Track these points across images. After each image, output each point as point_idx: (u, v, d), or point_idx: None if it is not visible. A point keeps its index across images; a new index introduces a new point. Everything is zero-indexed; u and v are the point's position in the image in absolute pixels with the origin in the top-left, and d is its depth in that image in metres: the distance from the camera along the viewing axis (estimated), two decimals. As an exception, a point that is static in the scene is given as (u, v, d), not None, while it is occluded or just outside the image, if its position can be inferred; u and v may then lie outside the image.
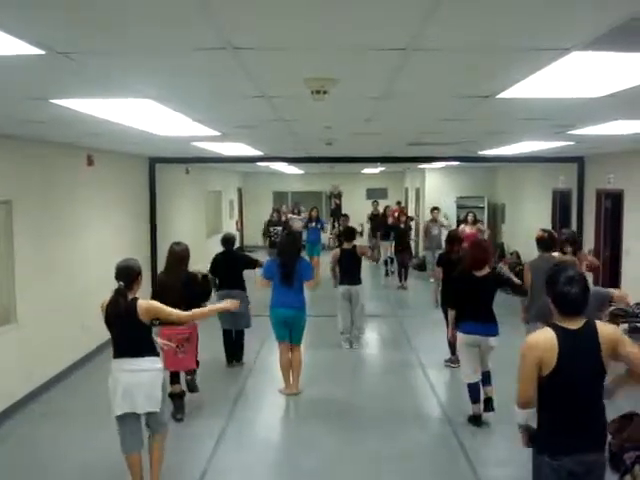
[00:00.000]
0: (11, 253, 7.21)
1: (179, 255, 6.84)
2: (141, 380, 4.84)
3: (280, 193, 25.06)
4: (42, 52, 3.17)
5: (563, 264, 3.93)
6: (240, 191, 24.05)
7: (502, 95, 4.63)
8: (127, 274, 4.90)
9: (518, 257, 15.34)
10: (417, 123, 6.83)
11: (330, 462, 5.95)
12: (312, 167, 20.08)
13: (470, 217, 14.97)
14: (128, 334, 4.89)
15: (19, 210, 7.31)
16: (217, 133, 7.49)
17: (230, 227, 21.10)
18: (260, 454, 6.14)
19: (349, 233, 9.89)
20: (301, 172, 23.01)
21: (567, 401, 3.45)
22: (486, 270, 6.52)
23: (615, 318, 9.10)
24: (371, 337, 10.89)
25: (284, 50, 3.27)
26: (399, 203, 21.49)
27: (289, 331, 7.54)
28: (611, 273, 10.82)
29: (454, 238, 8.84)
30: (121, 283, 4.85)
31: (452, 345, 7.99)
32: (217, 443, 6.26)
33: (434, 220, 15.79)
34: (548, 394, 3.47)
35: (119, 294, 4.86)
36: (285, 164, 17.54)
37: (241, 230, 23.54)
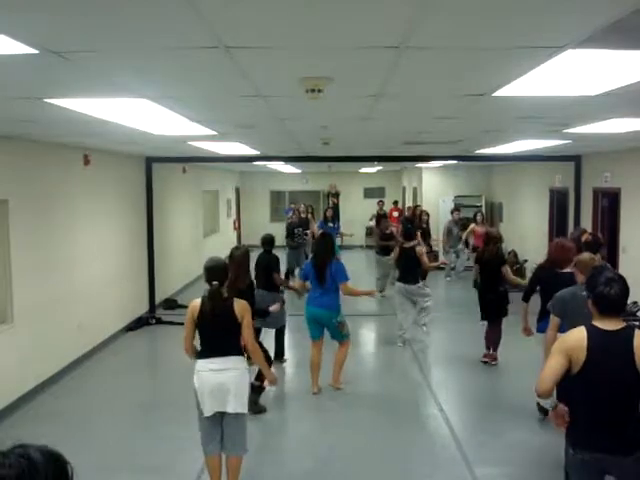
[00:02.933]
0: (7, 253, 7.20)
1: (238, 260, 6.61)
2: (229, 379, 4.78)
3: (278, 192, 25.06)
4: (35, 51, 3.16)
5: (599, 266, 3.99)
6: (238, 190, 24.04)
7: (497, 93, 4.62)
8: (219, 274, 4.88)
9: (515, 256, 15.36)
10: (412, 122, 6.83)
11: (326, 460, 5.94)
12: (310, 166, 20.08)
13: (479, 217, 15.09)
14: (222, 333, 4.85)
15: (15, 210, 7.30)
16: (213, 132, 7.48)
17: (227, 227, 21.11)
18: (256, 455, 6.13)
19: (410, 233, 10.11)
20: (298, 171, 23.02)
21: (592, 399, 3.48)
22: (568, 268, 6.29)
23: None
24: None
25: (277, 49, 3.26)
26: (396, 202, 21.50)
27: (322, 330, 7.67)
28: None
29: (491, 238, 9.03)
30: (215, 282, 4.82)
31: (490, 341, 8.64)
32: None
33: (455, 221, 16.12)
34: (577, 390, 3.52)
35: (215, 293, 4.82)
36: (282, 163, 17.54)
37: (239, 229, 23.54)
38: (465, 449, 6.12)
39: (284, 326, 8.76)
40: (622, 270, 10.18)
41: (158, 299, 12.45)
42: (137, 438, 6.48)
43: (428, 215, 16.55)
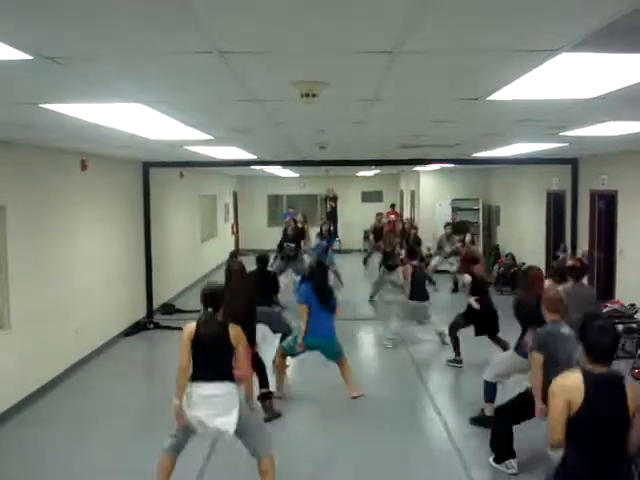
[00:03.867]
0: (5, 258, 7.19)
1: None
2: (216, 407, 4.81)
3: (275, 196, 25.06)
4: (29, 57, 3.16)
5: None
6: (235, 195, 24.04)
7: (492, 97, 4.63)
8: (214, 299, 4.98)
9: (513, 259, 15.39)
10: (408, 125, 6.83)
11: (325, 464, 5.94)
12: (307, 170, 20.08)
13: (468, 238, 14.79)
14: (215, 357, 4.88)
15: (12, 215, 7.30)
16: (209, 137, 7.48)
17: (225, 231, 21.10)
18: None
19: (415, 252, 10.76)
20: (296, 175, 23.02)
21: (589, 441, 3.59)
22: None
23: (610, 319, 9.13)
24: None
25: (271, 54, 3.27)
26: (393, 206, 21.48)
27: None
28: (606, 273, 10.83)
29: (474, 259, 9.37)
30: (209, 309, 4.92)
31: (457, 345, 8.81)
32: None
33: (448, 236, 15.64)
34: (573, 431, 3.59)
35: (210, 318, 4.91)
36: (279, 167, 17.54)
37: (236, 234, 23.52)
38: (463, 452, 6.12)
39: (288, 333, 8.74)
40: (619, 272, 10.20)
41: (156, 304, 12.44)
42: (135, 442, 6.47)
43: (416, 229, 16.97)
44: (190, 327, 4.93)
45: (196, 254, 16.51)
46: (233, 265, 7.23)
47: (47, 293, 8.12)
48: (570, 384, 3.60)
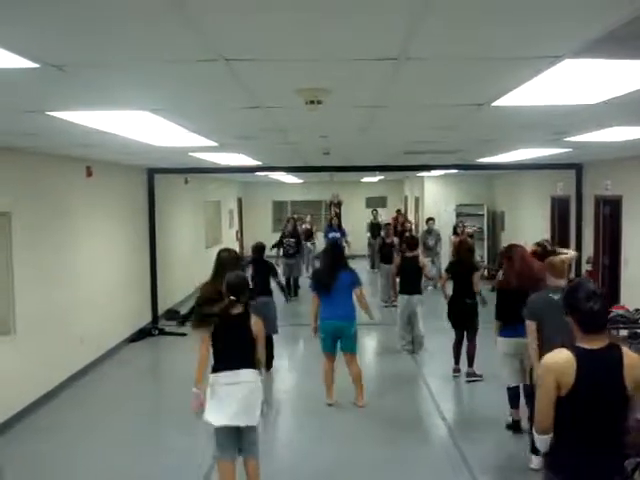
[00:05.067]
0: (10, 264, 7.21)
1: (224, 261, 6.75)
2: (243, 393, 4.83)
3: (280, 202, 25.10)
4: (36, 65, 3.19)
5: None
6: (240, 201, 24.07)
7: (496, 103, 4.64)
8: (238, 289, 4.97)
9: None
10: (412, 132, 6.84)
11: (327, 470, 5.93)
12: (311, 176, 20.11)
13: (459, 228, 14.88)
14: (237, 345, 4.92)
15: (18, 222, 7.33)
16: (214, 144, 7.51)
17: (230, 237, 21.13)
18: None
19: (413, 243, 10.14)
20: (300, 181, 23.06)
21: (583, 423, 3.26)
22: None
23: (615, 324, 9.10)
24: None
25: (276, 61, 3.29)
26: (398, 211, 21.47)
27: (336, 342, 7.48)
28: (610, 279, 10.81)
29: (463, 243, 9.16)
30: (232, 297, 4.93)
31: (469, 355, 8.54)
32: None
33: (429, 231, 15.84)
34: (564, 414, 3.27)
35: (231, 306, 4.93)
36: (284, 174, 17.57)
37: (241, 240, 23.55)
38: (469, 460, 6.10)
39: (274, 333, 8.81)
40: (624, 276, 10.18)
41: (160, 310, 12.45)
42: (140, 448, 6.47)
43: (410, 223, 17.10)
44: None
45: (201, 260, 16.50)
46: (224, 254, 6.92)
47: (52, 299, 8.14)
48: (560, 362, 3.23)
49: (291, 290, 14.68)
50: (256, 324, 4.97)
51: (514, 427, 6.62)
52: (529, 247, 7.20)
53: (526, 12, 2.52)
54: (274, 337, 8.80)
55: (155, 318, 12.14)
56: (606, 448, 3.29)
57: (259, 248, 9.21)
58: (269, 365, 8.74)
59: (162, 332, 11.56)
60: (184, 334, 10.27)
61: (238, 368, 4.85)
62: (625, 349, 3.32)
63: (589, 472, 3.29)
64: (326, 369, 7.58)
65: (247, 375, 4.87)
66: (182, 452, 6.19)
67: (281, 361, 9.47)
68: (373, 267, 18.74)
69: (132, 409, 7.66)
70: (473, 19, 2.61)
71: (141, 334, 11.24)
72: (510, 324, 6.29)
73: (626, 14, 2.50)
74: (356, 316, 7.53)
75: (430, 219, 16.16)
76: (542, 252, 6.85)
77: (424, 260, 10.25)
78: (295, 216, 18.48)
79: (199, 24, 2.57)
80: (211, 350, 4.96)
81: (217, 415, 4.84)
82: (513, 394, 6.56)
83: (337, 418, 7.29)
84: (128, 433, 6.94)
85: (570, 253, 6.82)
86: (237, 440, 4.98)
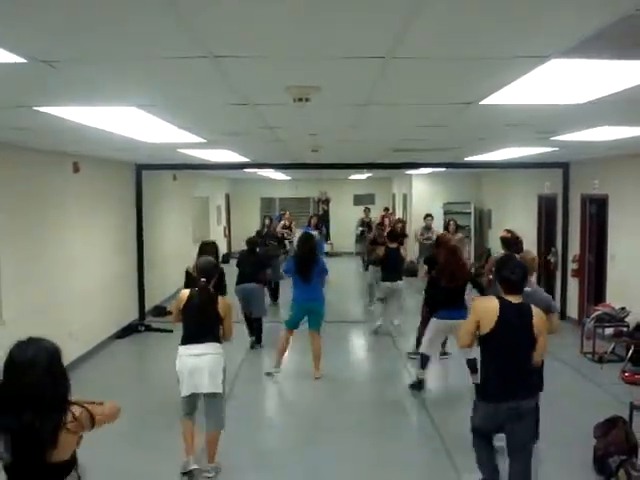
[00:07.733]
0: (-4, 260, 7.17)
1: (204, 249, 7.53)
2: (206, 362, 5.39)
3: (268, 199, 25.06)
4: (24, 60, 3.17)
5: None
6: (228, 197, 24.02)
7: (484, 102, 4.67)
8: (207, 272, 5.58)
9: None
10: (400, 129, 6.87)
11: (316, 469, 5.94)
12: (300, 173, 20.09)
13: (451, 227, 14.80)
14: (202, 321, 5.48)
15: (3, 218, 7.28)
16: (202, 140, 7.49)
17: (217, 233, 21.08)
18: (250, 463, 6.12)
19: (395, 235, 11.32)
20: (288, 178, 23.03)
21: (503, 357, 4.46)
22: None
23: (600, 322, 9.19)
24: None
25: (265, 58, 3.29)
26: (387, 209, 21.49)
27: (304, 319, 8.41)
28: (597, 277, 10.89)
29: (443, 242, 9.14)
30: (203, 279, 5.51)
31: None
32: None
33: (428, 227, 15.73)
34: (489, 350, 4.55)
35: (201, 288, 5.51)
36: (272, 170, 17.53)
37: (229, 236, 23.51)
38: (455, 457, 6.13)
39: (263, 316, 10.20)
40: (610, 274, 10.26)
41: (147, 306, 12.41)
42: (122, 445, 6.42)
43: (403, 222, 17.30)
44: (183, 295, 5.61)
45: (188, 256, 16.44)
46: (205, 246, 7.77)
47: (38, 295, 8.09)
48: (488, 306, 4.50)
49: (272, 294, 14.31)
50: (222, 304, 5.50)
51: (419, 385, 7.84)
52: (501, 233, 8.13)
53: (513, 13, 2.54)
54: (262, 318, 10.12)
55: (142, 314, 12.10)
56: (518, 376, 4.48)
57: (251, 242, 10.47)
58: (259, 340, 10.16)
59: (148, 328, 11.52)
60: (170, 331, 10.23)
61: (202, 342, 5.43)
62: (533, 306, 4.53)
63: (505, 396, 4.46)
64: (286, 337, 8.54)
65: (209, 347, 5.44)
66: (164, 448, 6.17)
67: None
68: (367, 269, 18.14)
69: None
70: (461, 20, 2.63)
71: (128, 330, 11.19)
72: (445, 309, 7.46)
73: (613, 15, 2.52)
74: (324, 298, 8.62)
75: (428, 215, 16.01)
76: (511, 237, 7.72)
77: (404, 252, 11.32)
78: (272, 215, 18.32)
79: (189, 21, 2.57)
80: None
81: (183, 386, 5.45)
82: (426, 359, 7.78)
83: (324, 414, 7.31)
84: (115, 429, 6.87)
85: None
86: (197, 404, 5.63)
